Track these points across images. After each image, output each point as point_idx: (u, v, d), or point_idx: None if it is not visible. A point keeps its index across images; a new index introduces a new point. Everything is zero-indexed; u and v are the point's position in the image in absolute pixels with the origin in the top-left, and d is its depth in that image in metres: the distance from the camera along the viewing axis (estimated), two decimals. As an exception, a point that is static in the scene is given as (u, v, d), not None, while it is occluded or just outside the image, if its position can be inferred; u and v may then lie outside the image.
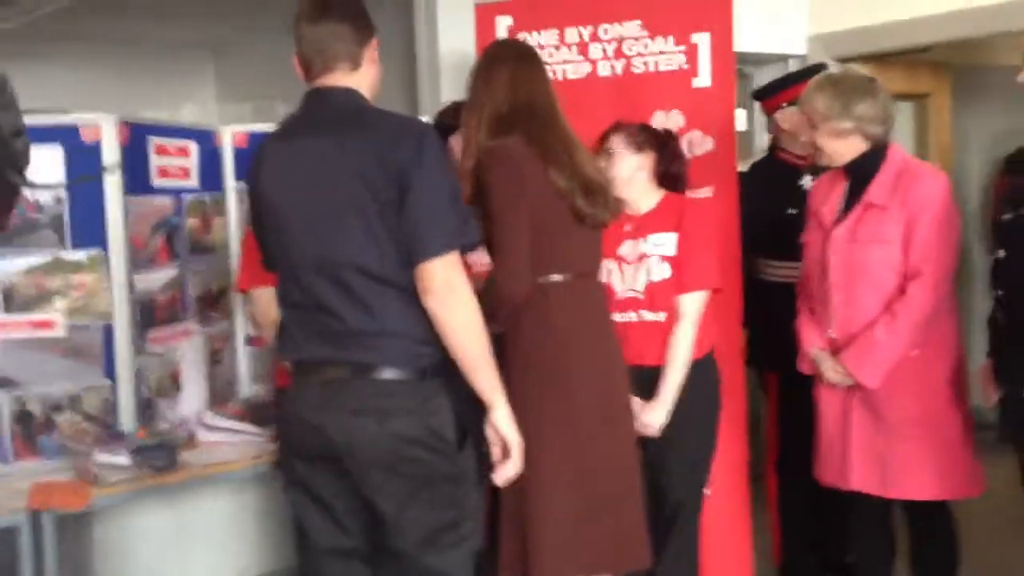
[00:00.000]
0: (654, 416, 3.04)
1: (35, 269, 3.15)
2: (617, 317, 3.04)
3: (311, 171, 2.39)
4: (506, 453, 2.49)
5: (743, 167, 3.91)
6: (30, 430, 3.15)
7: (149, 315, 3.36)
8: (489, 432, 2.49)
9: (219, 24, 6.23)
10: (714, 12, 3.49)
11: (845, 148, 3.03)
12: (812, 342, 3.13)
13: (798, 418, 3.40)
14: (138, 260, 3.31)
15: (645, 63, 3.53)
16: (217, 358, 3.71)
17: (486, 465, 2.67)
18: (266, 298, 2.99)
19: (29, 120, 1.74)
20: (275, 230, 2.47)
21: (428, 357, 2.38)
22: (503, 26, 3.62)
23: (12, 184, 1.44)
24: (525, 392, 2.58)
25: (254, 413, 3.38)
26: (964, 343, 3.14)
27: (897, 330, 2.94)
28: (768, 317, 3.56)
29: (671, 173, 3.21)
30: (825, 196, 3.15)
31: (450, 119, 3.23)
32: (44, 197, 3.13)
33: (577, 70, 3.59)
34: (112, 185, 3.21)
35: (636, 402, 2.99)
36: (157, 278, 3.41)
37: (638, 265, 3.11)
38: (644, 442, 3.02)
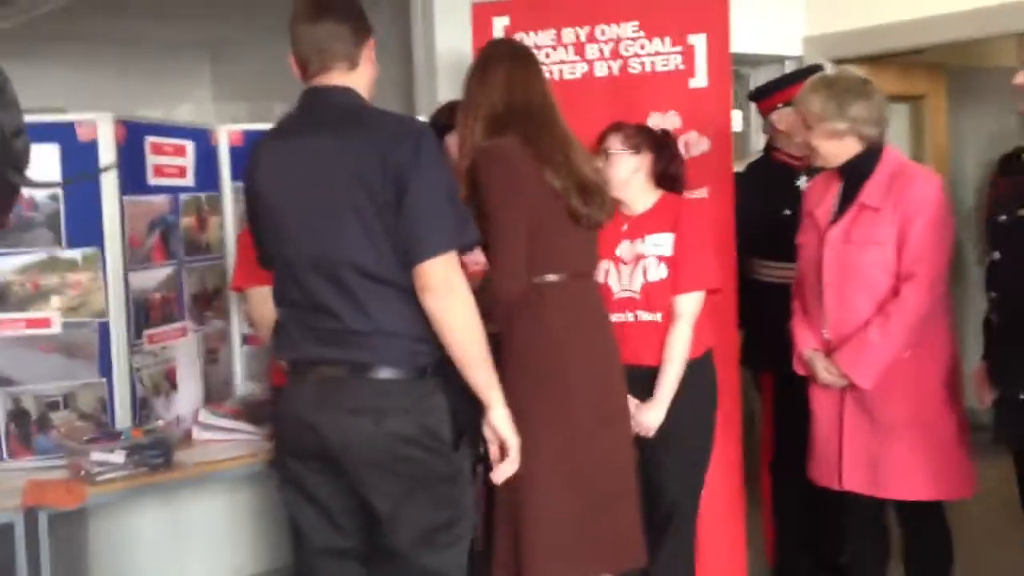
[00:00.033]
0: (650, 416, 3.04)
1: (31, 267, 3.15)
2: (614, 317, 3.04)
3: (308, 170, 2.39)
4: (504, 452, 2.50)
5: (738, 168, 3.91)
6: (25, 428, 3.15)
7: (145, 314, 3.36)
8: (487, 431, 2.49)
9: (216, 24, 6.24)
10: (711, 13, 3.49)
11: (840, 149, 3.03)
12: (806, 343, 3.14)
13: (792, 418, 3.41)
14: (134, 259, 3.31)
15: (642, 64, 3.54)
16: (213, 357, 3.72)
17: (483, 464, 2.68)
18: (262, 297, 2.99)
19: (26, 119, 1.75)
20: (272, 228, 2.47)
21: (426, 356, 2.38)
22: (500, 26, 3.62)
23: (12, 183, 1.45)
24: (520, 392, 2.59)
25: (250, 412, 3.38)
26: (958, 345, 3.15)
27: (890, 331, 2.94)
28: (763, 318, 3.57)
29: (669, 174, 3.21)
30: (820, 197, 3.15)
31: (445, 118, 3.23)
32: (40, 195, 3.13)
33: (573, 70, 3.59)
34: (108, 183, 3.21)
35: (632, 402, 3.00)
36: (153, 277, 3.41)
37: (635, 265, 3.12)
38: (641, 442, 3.03)
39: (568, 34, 3.59)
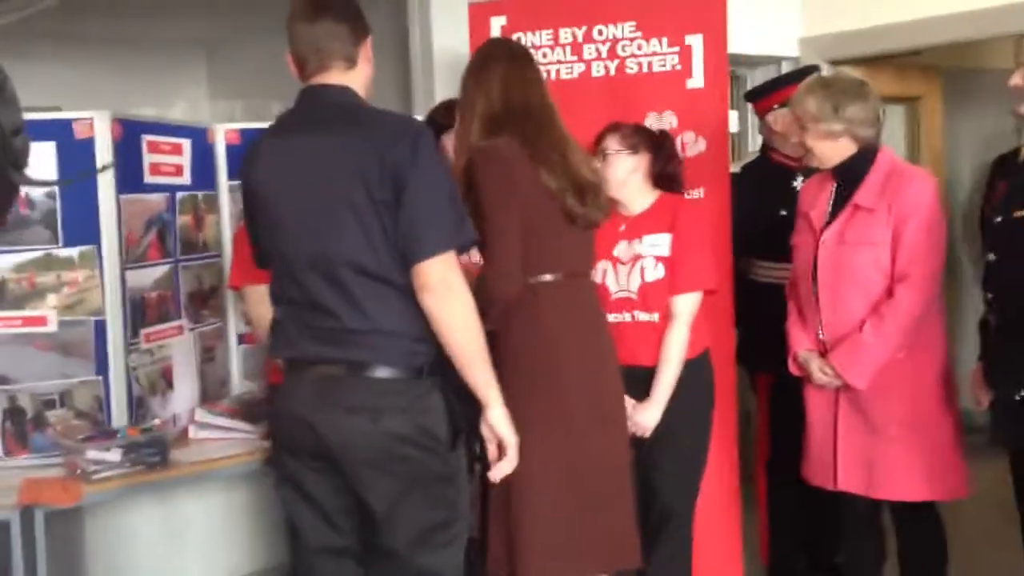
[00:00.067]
0: (646, 416, 3.05)
1: (27, 265, 3.15)
2: (611, 317, 3.05)
3: (306, 168, 2.39)
4: (502, 451, 2.50)
5: (735, 168, 3.92)
6: (21, 426, 3.15)
7: (141, 312, 3.36)
8: (485, 430, 2.49)
9: (212, 22, 6.23)
10: (708, 14, 3.50)
11: (834, 150, 3.04)
12: (801, 343, 3.14)
13: (788, 419, 3.41)
14: (130, 257, 3.30)
15: (639, 64, 3.54)
16: (209, 355, 3.71)
17: (479, 463, 2.69)
18: (259, 295, 2.99)
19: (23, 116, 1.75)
20: (269, 227, 2.47)
21: (424, 356, 2.39)
22: (497, 26, 3.62)
23: (12, 182, 1.45)
24: (515, 391, 2.59)
25: (246, 410, 3.38)
26: (954, 346, 3.15)
27: (884, 332, 2.95)
28: (759, 318, 3.57)
29: (667, 174, 3.21)
30: (814, 198, 3.16)
31: (442, 117, 3.23)
32: (36, 193, 3.13)
33: (570, 70, 3.59)
34: (105, 182, 3.21)
35: (629, 402, 3.00)
36: (149, 275, 3.40)
37: (632, 266, 3.12)
38: (637, 442, 3.03)
39: (565, 34, 3.60)
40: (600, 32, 3.57)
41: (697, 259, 3.10)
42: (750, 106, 4.25)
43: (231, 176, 3.73)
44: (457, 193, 2.43)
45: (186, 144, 3.62)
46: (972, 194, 5.87)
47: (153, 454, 2.98)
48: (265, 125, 2.68)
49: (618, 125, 3.21)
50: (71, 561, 3.49)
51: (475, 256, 2.80)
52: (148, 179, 3.42)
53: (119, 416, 3.24)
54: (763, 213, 3.71)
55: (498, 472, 2.52)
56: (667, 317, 3.07)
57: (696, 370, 3.12)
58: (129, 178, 3.31)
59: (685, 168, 3.32)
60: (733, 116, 4.94)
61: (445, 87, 3.99)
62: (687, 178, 3.35)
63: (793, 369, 3.19)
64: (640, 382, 3.03)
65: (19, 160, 1.44)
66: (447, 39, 4.17)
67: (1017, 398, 2.86)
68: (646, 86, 3.53)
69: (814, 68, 4.11)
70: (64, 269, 3.18)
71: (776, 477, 3.86)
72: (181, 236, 3.57)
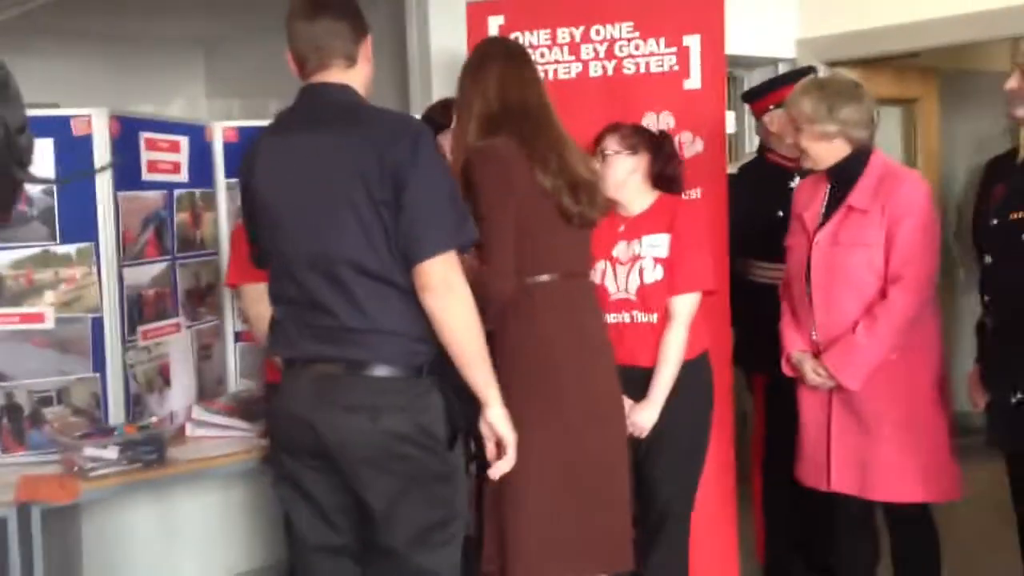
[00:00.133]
0: (644, 416, 3.05)
1: (24, 262, 3.15)
2: (610, 318, 3.05)
3: (306, 167, 2.39)
4: (500, 450, 2.51)
5: (731, 169, 3.93)
6: (18, 423, 3.15)
7: (138, 309, 3.36)
8: (484, 429, 2.50)
9: (210, 20, 6.23)
10: (705, 15, 3.50)
11: (829, 151, 3.04)
12: (794, 344, 3.15)
13: (784, 419, 3.42)
14: (128, 254, 3.30)
15: (636, 64, 3.55)
16: (206, 353, 3.71)
17: (476, 462, 2.69)
18: (256, 293, 3.00)
19: (22, 114, 1.75)
20: (269, 226, 2.46)
21: (424, 355, 2.39)
22: (495, 25, 3.62)
23: (16, 179, 1.45)
24: (511, 391, 2.59)
25: (243, 409, 3.38)
26: (951, 348, 3.16)
27: (878, 333, 2.95)
28: (756, 319, 3.57)
29: (666, 174, 3.22)
30: (808, 200, 3.17)
31: (439, 116, 3.23)
32: (34, 190, 3.12)
33: (568, 70, 3.59)
34: (102, 179, 3.20)
35: (627, 402, 3.01)
36: (147, 272, 3.40)
37: (631, 266, 3.12)
38: (636, 443, 3.03)
39: (563, 34, 3.60)
40: (598, 32, 3.57)
41: (696, 260, 3.10)
42: (747, 107, 4.26)
43: (229, 174, 3.73)
44: (458, 192, 2.44)
45: (184, 142, 3.62)
46: (966, 196, 5.89)
47: (150, 452, 2.98)
48: (263, 123, 2.68)
49: (618, 126, 3.21)
50: (68, 558, 3.49)
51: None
52: (146, 176, 3.42)
53: (116, 413, 3.24)
54: (760, 214, 3.72)
55: (497, 471, 2.52)
56: (666, 318, 3.08)
57: (695, 371, 3.12)
58: (126, 175, 3.31)
59: (684, 169, 3.33)
60: (730, 117, 4.95)
61: (443, 86, 3.99)
62: (684, 179, 3.35)
63: (786, 370, 3.19)
64: (638, 383, 3.04)
65: (24, 157, 1.45)
66: (445, 38, 4.17)
67: (1013, 400, 2.87)
68: (643, 86, 3.54)
69: (811, 69, 4.12)
70: (61, 266, 3.18)
71: (772, 477, 3.86)
72: (178, 234, 3.56)
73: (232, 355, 3.83)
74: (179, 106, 6.44)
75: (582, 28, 3.58)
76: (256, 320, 3.11)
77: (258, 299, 2.92)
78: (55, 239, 3.17)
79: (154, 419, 3.25)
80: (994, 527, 3.76)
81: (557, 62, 3.60)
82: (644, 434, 3.06)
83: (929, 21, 4.62)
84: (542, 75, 3.02)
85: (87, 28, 6.23)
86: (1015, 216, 2.89)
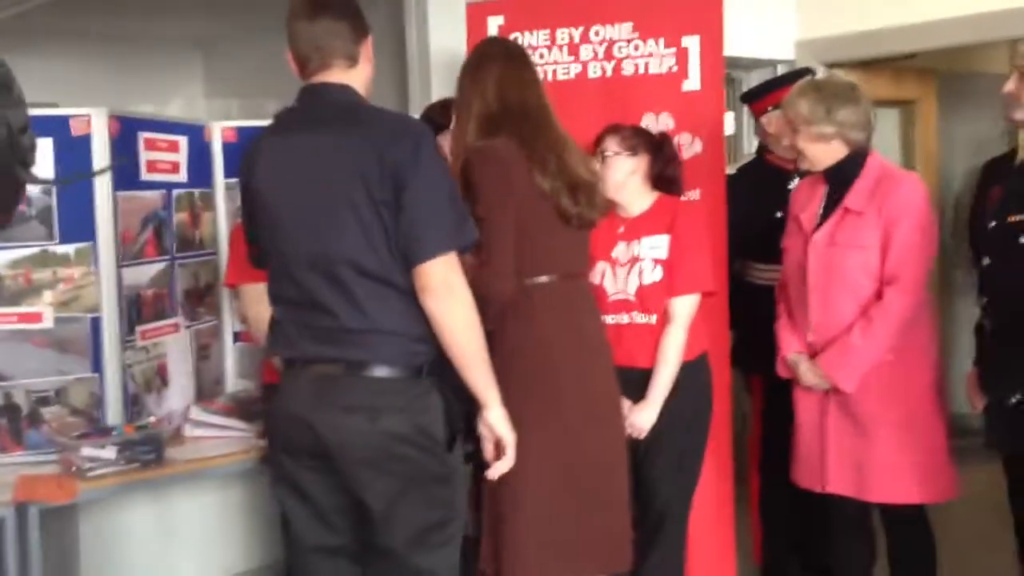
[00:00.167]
0: (642, 417, 3.05)
1: (23, 261, 3.15)
2: (609, 319, 3.05)
3: (307, 167, 2.39)
4: (499, 450, 2.51)
5: (730, 170, 3.93)
6: (16, 423, 3.15)
7: (137, 309, 3.36)
8: (482, 429, 2.50)
9: (210, 21, 6.23)
10: (705, 16, 3.50)
11: (826, 153, 3.05)
12: (790, 346, 3.15)
13: (782, 420, 3.42)
14: (126, 254, 3.31)
15: (635, 65, 3.54)
16: (205, 353, 3.71)
17: (473, 462, 2.69)
18: (255, 293, 3.00)
19: (20, 114, 1.75)
20: (268, 225, 2.46)
21: (424, 356, 2.39)
22: (494, 26, 3.62)
23: (19, 180, 1.46)
24: (510, 392, 2.59)
25: (241, 409, 3.38)
26: (949, 350, 3.16)
27: (873, 334, 2.96)
28: (754, 320, 3.57)
29: (666, 176, 3.22)
30: (805, 201, 3.17)
31: (437, 116, 3.23)
32: (33, 190, 3.12)
33: (567, 71, 3.59)
34: (101, 178, 3.20)
35: (625, 403, 3.01)
36: (145, 272, 3.41)
37: (630, 267, 3.12)
38: (634, 444, 3.03)
39: (562, 35, 3.60)
40: (597, 33, 3.57)
41: (695, 261, 3.10)
42: (746, 108, 4.26)
43: (227, 174, 3.74)
44: (458, 193, 2.43)
45: (183, 141, 3.62)
46: (964, 198, 5.89)
47: (148, 452, 2.97)
48: (261, 123, 2.68)
49: (618, 127, 3.21)
50: (66, 558, 3.49)
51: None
52: (144, 176, 3.43)
53: (114, 413, 3.24)
54: (759, 215, 3.72)
55: (495, 471, 2.52)
56: (665, 319, 3.08)
57: (694, 373, 3.12)
58: (125, 175, 3.31)
59: (684, 170, 3.33)
60: (729, 118, 4.96)
61: (442, 87, 3.98)
62: (684, 180, 3.35)
63: (782, 372, 3.19)
64: (637, 384, 3.04)
65: (27, 158, 1.46)
66: (444, 39, 4.17)
67: (1011, 402, 2.88)
68: (642, 87, 3.54)
69: (809, 70, 4.12)
70: (60, 266, 3.18)
71: (769, 478, 3.87)
72: (177, 233, 3.57)
73: (230, 355, 3.83)
74: (178, 106, 6.43)
75: (581, 29, 3.58)
76: (255, 320, 3.11)
77: (257, 299, 2.92)
78: (54, 239, 3.17)
79: (152, 419, 3.25)
80: (992, 528, 3.76)
81: (556, 63, 3.60)
82: (642, 435, 3.06)
83: (928, 23, 4.62)
84: (541, 76, 3.02)
85: (86, 28, 6.23)
86: (1013, 218, 2.89)
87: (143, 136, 3.42)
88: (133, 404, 3.31)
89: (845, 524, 3.25)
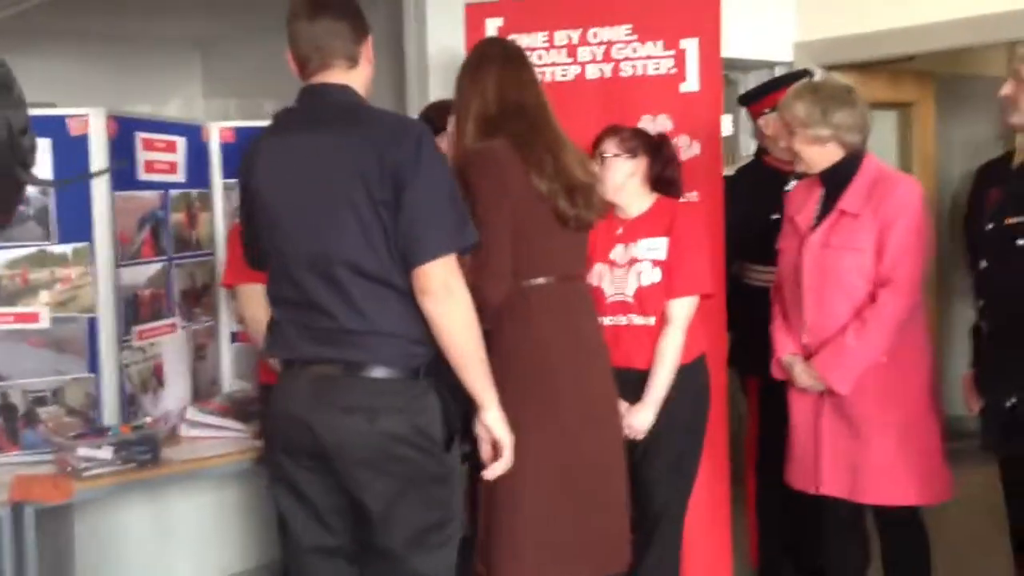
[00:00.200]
0: (639, 418, 3.05)
1: (20, 261, 3.14)
2: (607, 321, 3.06)
3: (306, 167, 2.39)
4: (497, 451, 2.51)
5: (727, 172, 3.93)
6: (13, 423, 3.14)
7: (134, 310, 3.35)
8: (480, 430, 2.50)
9: (208, 21, 6.23)
10: (703, 18, 3.51)
11: (822, 155, 3.05)
12: (785, 347, 3.15)
13: (778, 422, 3.42)
14: (124, 254, 3.30)
15: (633, 67, 3.55)
16: (201, 354, 3.71)
17: (469, 463, 2.69)
18: (252, 294, 3.00)
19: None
20: (268, 226, 2.46)
21: (422, 357, 2.39)
22: (493, 27, 3.62)
23: (19, 181, 1.46)
24: (507, 394, 2.59)
25: (237, 409, 3.37)
26: (945, 352, 3.16)
27: (867, 336, 2.96)
28: (751, 321, 3.57)
29: (665, 178, 3.22)
30: (801, 203, 3.17)
31: (435, 117, 3.23)
32: (30, 189, 3.11)
33: (565, 72, 3.60)
34: (99, 179, 3.20)
35: (622, 404, 3.01)
36: (142, 273, 3.40)
37: (628, 269, 3.12)
38: (631, 445, 3.03)
39: (561, 36, 3.60)
40: (595, 35, 3.58)
41: (694, 263, 3.10)
42: (744, 110, 4.26)
43: (225, 174, 3.74)
44: (459, 195, 2.43)
45: (180, 142, 3.61)
46: (960, 200, 5.89)
47: (144, 452, 2.97)
48: (259, 124, 2.68)
49: (617, 128, 3.21)
50: (61, 559, 3.48)
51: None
52: (142, 176, 3.42)
53: (111, 413, 3.24)
54: (756, 217, 3.72)
55: (492, 472, 2.52)
56: (663, 321, 3.08)
57: (691, 375, 3.12)
58: (123, 175, 3.31)
59: (683, 172, 3.33)
60: (727, 120, 4.95)
61: (440, 88, 3.98)
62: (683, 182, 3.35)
63: (776, 373, 3.20)
64: (635, 385, 3.04)
65: (27, 159, 1.46)
66: (443, 40, 4.17)
67: (1007, 405, 2.88)
68: (640, 89, 3.54)
69: (807, 71, 4.13)
70: (57, 266, 3.18)
71: (765, 480, 3.86)
72: (174, 234, 3.56)
73: (227, 356, 3.83)
74: (176, 106, 6.44)
75: (580, 30, 3.58)
76: (252, 321, 3.11)
77: (254, 300, 2.92)
78: (51, 239, 3.17)
79: (148, 419, 3.25)
80: (987, 531, 3.77)
81: (555, 64, 3.60)
82: (640, 436, 3.06)
83: (926, 25, 4.62)
84: (540, 77, 3.02)
85: (85, 28, 6.23)
86: (1010, 221, 2.89)
87: (141, 136, 3.41)
88: (129, 404, 3.31)
89: (838, 526, 3.26)
